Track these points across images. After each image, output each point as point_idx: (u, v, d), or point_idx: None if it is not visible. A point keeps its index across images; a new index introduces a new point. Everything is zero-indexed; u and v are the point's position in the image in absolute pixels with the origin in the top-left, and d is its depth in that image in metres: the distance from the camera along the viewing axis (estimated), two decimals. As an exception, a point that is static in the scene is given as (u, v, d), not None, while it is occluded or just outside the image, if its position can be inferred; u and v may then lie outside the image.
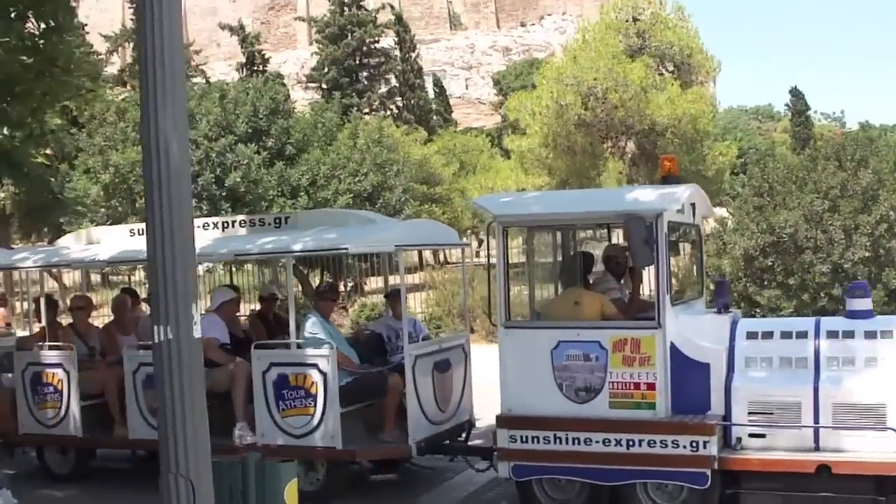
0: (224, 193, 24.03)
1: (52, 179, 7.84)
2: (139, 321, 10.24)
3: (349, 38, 49.94)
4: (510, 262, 7.60)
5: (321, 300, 8.98)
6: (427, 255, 32.98)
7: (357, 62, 51.21)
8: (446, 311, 19.23)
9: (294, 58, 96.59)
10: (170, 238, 3.84)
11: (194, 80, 37.91)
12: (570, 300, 7.49)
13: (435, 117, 63.83)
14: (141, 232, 10.17)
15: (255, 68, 47.68)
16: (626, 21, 21.60)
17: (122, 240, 10.20)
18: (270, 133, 25.58)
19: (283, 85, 51.89)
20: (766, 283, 13.56)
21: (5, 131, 7.58)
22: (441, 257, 34.63)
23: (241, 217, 10.20)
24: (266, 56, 49.72)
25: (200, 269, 27.51)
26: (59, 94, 7.92)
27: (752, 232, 13.50)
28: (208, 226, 9.76)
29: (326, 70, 50.51)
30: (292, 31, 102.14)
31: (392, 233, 8.80)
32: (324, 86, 50.78)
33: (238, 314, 10.22)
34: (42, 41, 6.96)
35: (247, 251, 8.80)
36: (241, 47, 49.01)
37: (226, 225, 9.78)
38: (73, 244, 10.65)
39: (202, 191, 23.79)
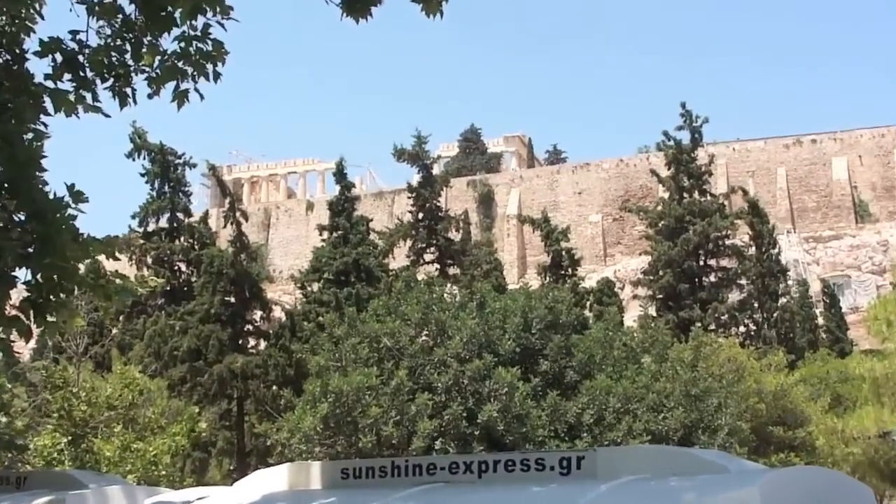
0: (477, 432, 23.32)
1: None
2: None
3: (690, 232, 49.02)
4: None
5: None
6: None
7: (699, 263, 49.88)
8: None
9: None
10: None
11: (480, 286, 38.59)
12: None
13: (823, 335, 60.73)
14: (357, 473, 9.40)
15: (564, 271, 47.88)
16: None
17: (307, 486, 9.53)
18: (545, 353, 24.80)
19: (614, 294, 52.05)
20: None
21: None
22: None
23: (507, 456, 8.92)
24: (576, 255, 49.71)
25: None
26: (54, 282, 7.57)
27: None
28: (456, 467, 8.73)
29: (661, 274, 49.66)
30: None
31: (753, 490, 6.81)
32: (657, 294, 49.76)
33: None
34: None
35: None
36: (545, 245, 49.61)
37: (484, 467, 8.64)
38: (260, 484, 10.06)
39: (448, 427, 23.26)
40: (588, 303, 47.50)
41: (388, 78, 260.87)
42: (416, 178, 62.43)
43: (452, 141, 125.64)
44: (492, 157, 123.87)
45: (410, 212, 59.82)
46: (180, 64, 7.26)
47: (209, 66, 7.25)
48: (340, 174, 52.54)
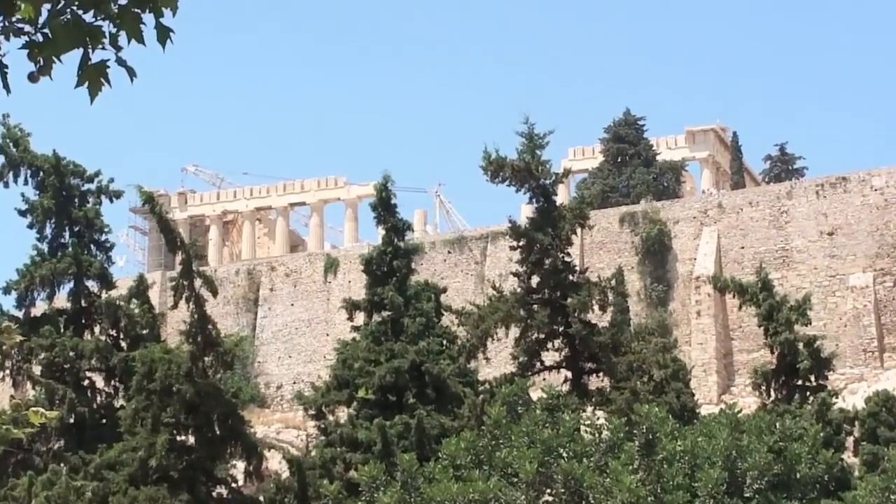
0: None
1: None
2: None
3: None
4: None
5: None
6: None
7: None
8: None
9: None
10: None
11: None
12: None
13: None
14: None
15: (803, 381, 47.66)
16: None
17: None
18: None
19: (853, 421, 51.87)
20: None
21: None
22: None
23: None
24: (824, 351, 49.45)
25: None
26: None
27: None
28: None
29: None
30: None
31: None
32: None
33: None
34: None
35: None
36: (767, 332, 49.44)
37: None
38: None
39: None
40: (850, 439, 47.31)
41: (471, 33, 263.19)
42: (525, 212, 62.61)
43: (592, 142, 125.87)
44: (664, 170, 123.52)
45: (516, 274, 60.17)
46: (89, 17, 7.33)
47: (146, 19, 7.34)
48: (385, 205, 53.15)
